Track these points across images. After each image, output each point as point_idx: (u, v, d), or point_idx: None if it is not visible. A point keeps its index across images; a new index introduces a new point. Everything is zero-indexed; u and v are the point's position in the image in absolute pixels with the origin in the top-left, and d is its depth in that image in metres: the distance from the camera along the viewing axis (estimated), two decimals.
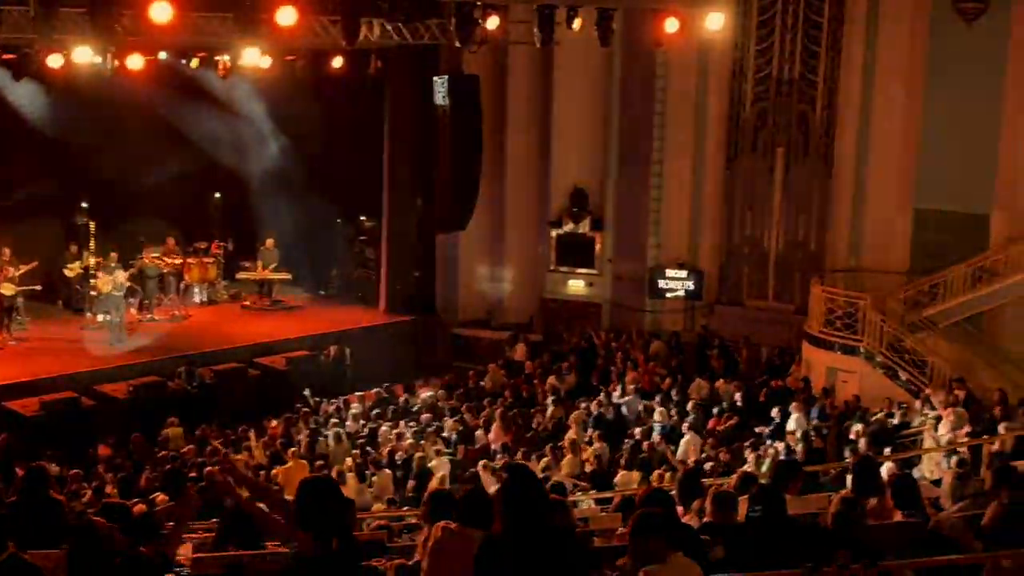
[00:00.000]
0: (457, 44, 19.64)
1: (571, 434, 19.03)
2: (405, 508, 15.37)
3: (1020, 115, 22.04)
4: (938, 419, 17.65)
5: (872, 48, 23.48)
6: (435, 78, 24.11)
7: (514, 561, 5.36)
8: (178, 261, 25.57)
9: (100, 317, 23.56)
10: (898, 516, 7.41)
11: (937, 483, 14.27)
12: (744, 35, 24.81)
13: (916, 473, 15.05)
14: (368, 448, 18.86)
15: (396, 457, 18.19)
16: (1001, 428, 16.57)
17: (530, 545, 5.35)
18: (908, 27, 23.04)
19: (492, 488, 10.15)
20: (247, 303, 26.72)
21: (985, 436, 16.31)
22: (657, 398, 20.92)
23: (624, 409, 20.75)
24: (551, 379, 22.71)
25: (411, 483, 17.18)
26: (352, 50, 21.36)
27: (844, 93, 24.07)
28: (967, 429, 16.96)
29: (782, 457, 17.31)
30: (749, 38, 24.93)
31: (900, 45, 23.10)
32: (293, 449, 17.72)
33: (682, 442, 18.55)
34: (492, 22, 19.21)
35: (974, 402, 18.65)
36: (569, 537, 5.66)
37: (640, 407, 20.74)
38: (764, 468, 16.84)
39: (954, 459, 15.63)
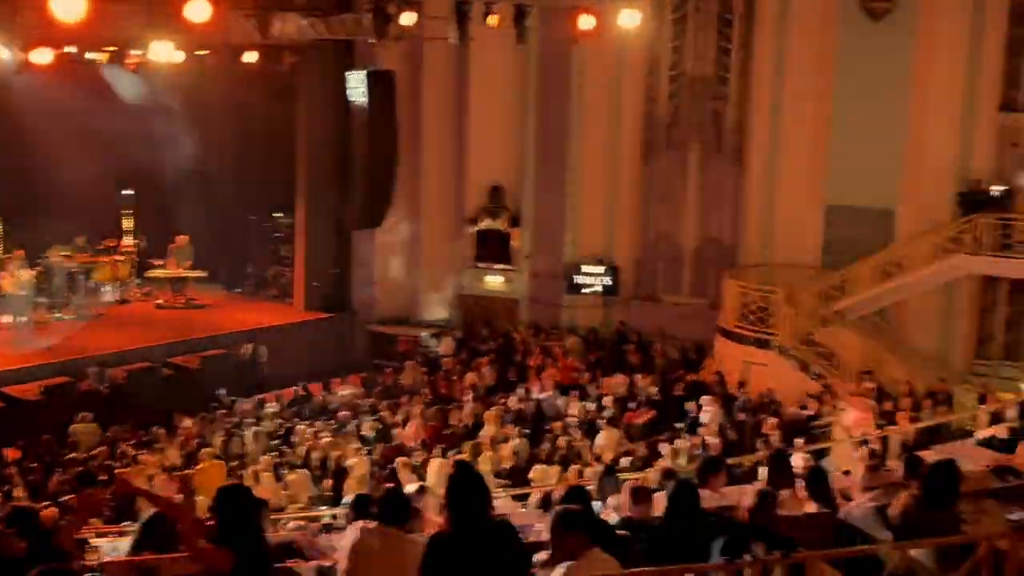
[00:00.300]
0: (372, 40, 19.53)
1: (489, 430, 19.06)
2: (323, 508, 15.25)
3: (925, 112, 22.60)
4: (846, 411, 18.00)
5: (782, 46, 23.89)
6: (351, 74, 23.92)
7: (462, 557, 5.37)
8: (88, 259, 25.02)
9: (5, 318, 22.97)
10: (810, 507, 7.57)
11: (848, 474, 14.56)
12: (658, 33, 25.03)
13: (827, 465, 15.34)
14: (284, 447, 18.68)
15: (313, 456, 18.04)
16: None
17: (477, 541, 5.37)
18: (817, 25, 23.48)
19: (411, 486, 10.14)
20: (160, 301, 26.26)
21: (892, 427, 16.67)
22: (575, 393, 21.04)
23: (543, 405, 20.83)
24: (470, 376, 22.71)
25: (328, 482, 17.05)
26: (266, 45, 21.11)
27: (755, 90, 24.45)
28: (875, 420, 17.34)
29: (699, 451, 17.60)
30: (663, 36, 25.18)
31: (809, 43, 23.53)
32: (208, 449, 17.47)
33: (599, 437, 18.68)
34: (408, 18, 19.14)
35: (882, 394, 19.09)
36: (513, 533, 5.68)
37: (558, 403, 20.84)
38: (681, 461, 17.06)
39: (864, 450, 15.99)
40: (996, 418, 13.96)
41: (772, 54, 24.05)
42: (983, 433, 12.39)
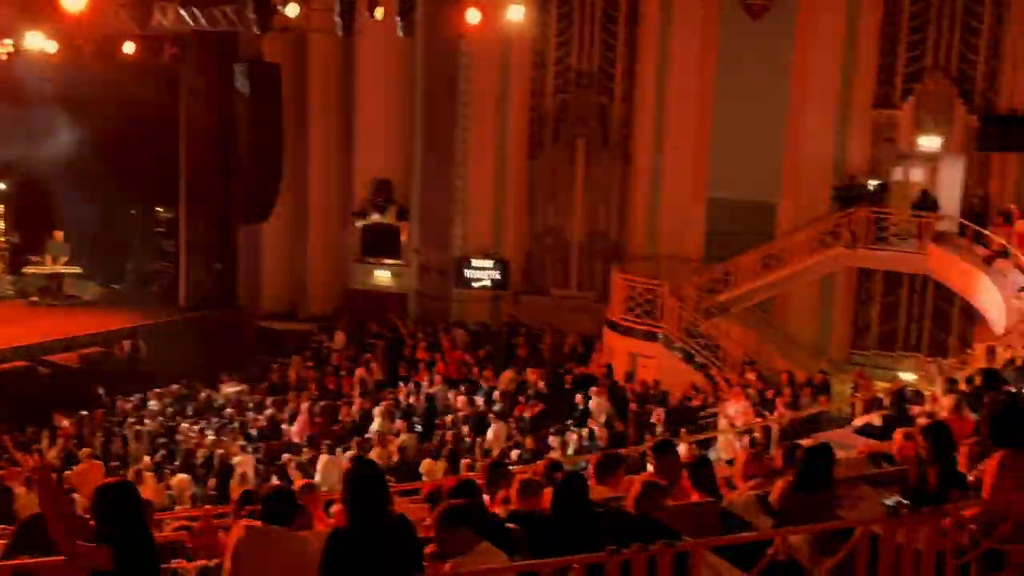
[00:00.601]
0: (255, 31, 19.22)
1: (377, 426, 18.95)
2: (207, 507, 14.97)
3: (803, 108, 23.17)
4: (730, 402, 18.36)
5: (666, 43, 24.23)
6: (234, 66, 23.52)
7: (361, 554, 5.32)
8: None
9: None
10: (695, 497, 7.68)
11: (731, 463, 14.85)
12: (545, 27, 25.15)
13: (712, 454, 15.64)
14: (167, 446, 18.29)
15: (197, 455, 17.71)
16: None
17: (376, 538, 5.32)
18: (699, 23, 23.89)
19: (298, 483, 10.02)
20: (35, 299, 25.48)
21: (773, 416, 17.06)
22: (464, 387, 21.05)
23: (432, 399, 20.79)
24: (359, 371, 22.54)
25: (212, 481, 16.76)
26: (145, 35, 20.61)
27: (640, 86, 24.76)
28: (756, 409, 17.73)
29: (587, 443, 17.78)
30: (549, 30, 25.30)
31: (692, 40, 23.92)
32: (87, 449, 17.00)
33: (489, 430, 18.72)
34: (291, 9, 18.89)
35: (764, 383, 19.53)
36: (411, 529, 5.64)
37: (448, 397, 20.83)
38: (570, 453, 17.22)
39: (746, 439, 16.35)
40: (871, 406, 14.38)
41: (656, 50, 24.38)
42: (859, 421, 12.76)
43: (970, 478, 6.62)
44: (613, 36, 24.99)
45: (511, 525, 6.62)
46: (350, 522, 5.44)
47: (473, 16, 20.11)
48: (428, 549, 5.69)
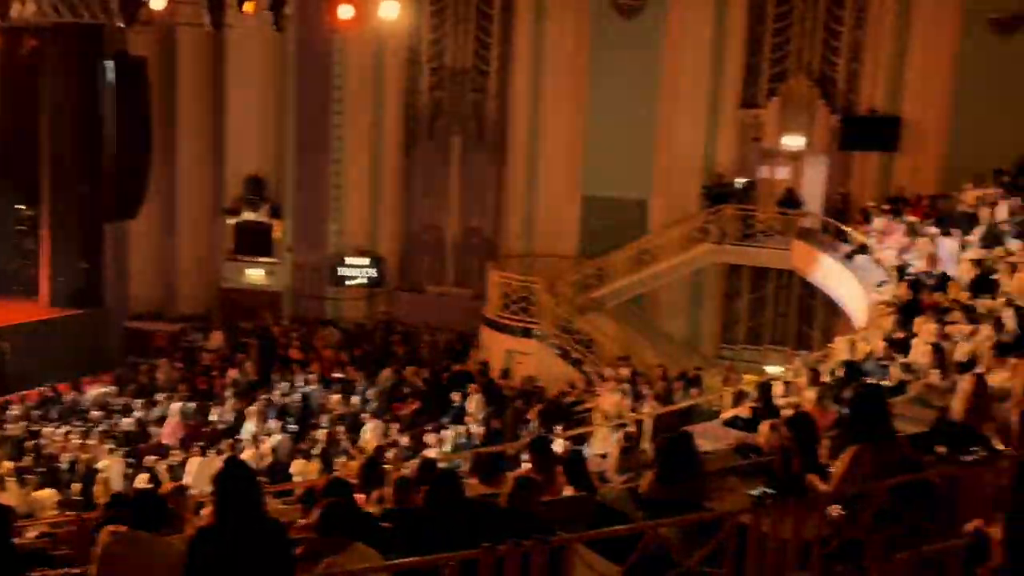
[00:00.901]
0: (120, 24, 18.70)
1: (250, 426, 18.66)
2: (71, 513, 14.52)
3: (674, 108, 23.58)
4: (604, 396, 18.60)
5: (539, 41, 24.39)
6: (99, 60, 22.85)
7: (227, 554, 5.22)
8: None
9: None
10: (569, 491, 7.78)
11: (605, 457, 15.05)
12: (419, 24, 25.07)
13: (587, 449, 15.81)
14: (30, 451, 17.69)
15: (62, 459, 17.17)
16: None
17: (244, 538, 5.23)
18: (572, 22, 24.11)
19: (168, 486, 9.80)
20: None
21: (646, 410, 17.31)
22: (340, 387, 20.87)
23: (307, 399, 20.55)
24: (231, 371, 22.14)
25: (77, 486, 16.27)
26: (3, 27, 19.87)
27: (514, 84, 24.88)
28: (630, 403, 17.98)
29: (464, 440, 17.80)
30: (423, 27, 25.24)
31: (565, 39, 24.14)
32: None
33: (365, 429, 18.60)
34: (157, 2, 18.42)
35: (637, 378, 19.82)
36: (282, 530, 5.57)
37: (323, 396, 20.61)
38: (446, 450, 17.23)
39: (620, 433, 16.56)
40: (740, 399, 14.72)
41: (529, 49, 24.53)
42: (728, 413, 13.07)
43: (831, 469, 6.83)
44: (487, 34, 25.07)
45: (385, 524, 6.61)
46: (218, 522, 5.35)
47: (346, 12, 19.87)
48: (300, 550, 5.64)
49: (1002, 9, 21.42)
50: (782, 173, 23.91)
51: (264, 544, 5.29)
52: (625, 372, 20.05)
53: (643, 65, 23.50)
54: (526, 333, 22.27)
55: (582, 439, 16.92)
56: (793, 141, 23.35)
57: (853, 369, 12.63)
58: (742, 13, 23.34)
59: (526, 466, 9.32)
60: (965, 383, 7.65)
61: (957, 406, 7.51)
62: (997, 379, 9.86)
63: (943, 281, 14.99)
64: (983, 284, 14.19)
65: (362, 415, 19.39)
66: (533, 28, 24.43)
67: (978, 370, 9.76)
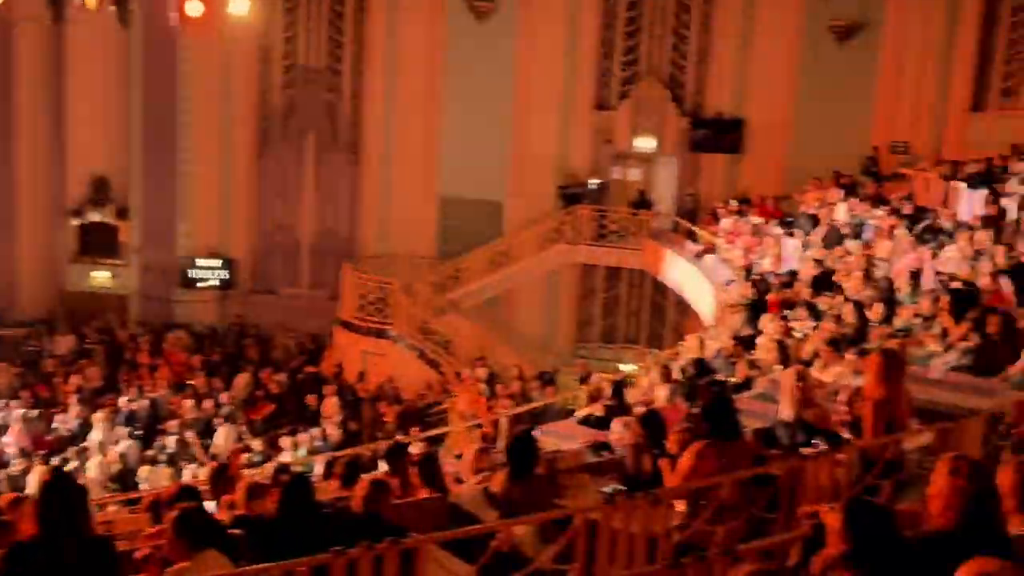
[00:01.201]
0: None
1: (96, 434, 18.07)
2: None
3: (528, 109, 23.78)
4: (461, 397, 18.64)
5: (394, 41, 24.28)
6: None
7: (45, 568, 5.04)
8: None
9: None
10: (423, 493, 7.78)
11: (460, 458, 15.07)
12: (270, 21, 24.63)
13: (443, 449, 15.81)
14: None
15: None
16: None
17: (63, 552, 5.06)
18: (426, 22, 24.08)
19: (5, 498, 9.41)
20: None
21: (502, 410, 17.44)
22: (191, 391, 20.38)
23: (155, 405, 20.00)
24: (74, 377, 21.39)
25: None
26: None
27: (369, 84, 24.72)
28: (486, 404, 18.08)
29: (320, 443, 17.60)
30: (275, 24, 24.83)
31: (419, 39, 24.09)
32: None
33: (217, 434, 18.22)
34: None
35: (494, 378, 19.95)
36: (106, 544, 5.40)
37: (174, 401, 20.09)
38: (301, 454, 17.02)
39: (477, 433, 16.63)
40: (594, 397, 14.93)
41: (383, 48, 24.40)
42: (582, 412, 13.25)
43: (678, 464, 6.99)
44: (340, 32, 24.85)
45: (236, 530, 6.50)
46: (39, 534, 5.18)
47: (194, 8, 19.43)
48: (140, 554, 5.54)
49: (841, 16, 22.31)
50: (634, 174, 24.38)
51: (85, 559, 5.14)
52: (482, 372, 20.14)
53: (498, 67, 23.65)
54: (382, 334, 22.17)
55: (439, 440, 16.95)
56: (644, 143, 23.82)
57: (702, 366, 12.95)
58: (593, 17, 23.70)
59: (383, 468, 9.29)
60: (786, 379, 7.93)
61: (783, 402, 7.78)
62: (833, 373, 10.28)
63: (791, 279, 15.50)
64: (824, 282, 14.71)
65: (215, 420, 18.98)
66: (387, 28, 24.30)
67: (810, 367, 10.14)
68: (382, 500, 6.32)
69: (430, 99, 24.17)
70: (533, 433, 7.30)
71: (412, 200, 24.65)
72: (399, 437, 15.71)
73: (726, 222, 20.42)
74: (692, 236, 21.14)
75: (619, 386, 13.06)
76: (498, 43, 23.68)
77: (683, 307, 22.12)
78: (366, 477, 7.41)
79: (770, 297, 14.92)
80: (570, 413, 14.96)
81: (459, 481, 8.90)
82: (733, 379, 11.91)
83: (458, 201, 24.35)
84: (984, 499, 4.21)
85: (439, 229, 24.67)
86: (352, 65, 24.87)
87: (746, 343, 13.25)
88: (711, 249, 19.82)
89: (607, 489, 6.83)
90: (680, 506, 6.19)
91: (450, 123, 24.05)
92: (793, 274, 15.79)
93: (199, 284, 25.33)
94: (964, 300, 11.26)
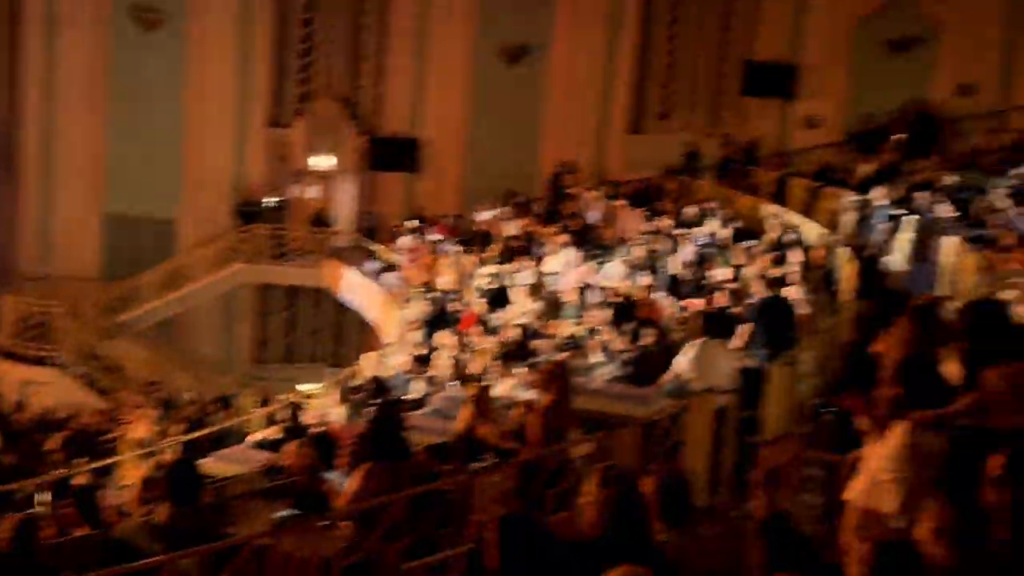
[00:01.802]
0: None
1: None
2: None
3: (201, 124, 23.09)
4: (133, 424, 17.83)
5: (52, 52, 22.91)
6: None
7: None
8: None
9: None
10: (82, 530, 7.35)
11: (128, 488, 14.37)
12: None
13: (112, 481, 15.04)
14: None
15: None
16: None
17: None
18: (88, 31, 22.86)
19: None
20: None
21: (178, 436, 16.80)
22: None
23: None
24: None
25: None
26: None
27: (25, 96, 23.20)
28: (161, 430, 17.37)
29: None
30: None
31: (81, 50, 22.88)
32: None
33: None
34: None
35: (169, 403, 19.19)
36: None
37: None
38: None
39: (152, 461, 15.88)
40: (271, 420, 14.67)
41: (41, 60, 22.95)
42: (257, 435, 12.96)
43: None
44: None
45: None
46: None
47: None
48: None
49: (510, 38, 23.01)
50: (313, 192, 24.16)
51: None
52: (157, 397, 19.33)
53: (167, 80, 22.83)
54: (44, 362, 20.84)
55: (108, 471, 16.10)
56: (322, 161, 23.67)
57: (380, 385, 12.99)
58: (264, 33, 23.29)
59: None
60: (468, 395, 8.13)
61: (460, 418, 7.96)
62: (504, 387, 10.59)
63: (463, 296, 15.82)
64: (499, 298, 15.13)
65: None
66: (44, 39, 22.87)
67: (483, 382, 10.40)
68: (29, 540, 5.91)
69: (93, 111, 22.97)
70: (194, 460, 7.03)
71: (74, 218, 23.35)
72: (62, 470, 14.76)
73: (405, 240, 20.60)
74: (372, 254, 21.21)
75: (294, 408, 12.89)
76: (167, 54, 22.85)
77: (365, 325, 22.15)
78: (10, 516, 6.91)
79: (448, 314, 15.19)
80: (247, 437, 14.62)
81: (123, 514, 8.48)
82: (409, 396, 12.03)
83: (127, 218, 23.27)
84: (630, 507, 4.44)
85: (106, 248, 23.46)
86: (7, 77, 23.23)
87: (423, 360, 13.42)
88: (391, 267, 19.95)
89: (280, 514, 6.70)
90: (347, 528, 6.16)
91: (117, 138, 22.96)
92: (458, 290, 16.15)
93: None
94: (623, 313, 11.89)
